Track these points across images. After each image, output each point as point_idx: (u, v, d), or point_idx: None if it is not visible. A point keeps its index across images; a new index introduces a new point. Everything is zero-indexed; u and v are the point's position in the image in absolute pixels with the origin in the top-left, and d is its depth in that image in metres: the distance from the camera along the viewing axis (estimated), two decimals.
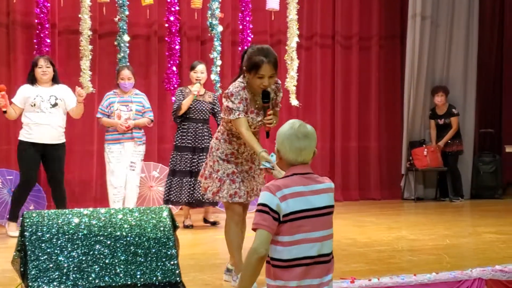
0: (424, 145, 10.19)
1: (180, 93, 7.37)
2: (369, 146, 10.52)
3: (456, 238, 6.68)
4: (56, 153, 6.92)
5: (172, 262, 3.73)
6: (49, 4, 7.97)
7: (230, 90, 4.51)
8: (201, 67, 7.43)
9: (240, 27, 8.88)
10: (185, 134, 7.31)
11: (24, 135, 6.82)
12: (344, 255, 5.66)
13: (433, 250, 5.94)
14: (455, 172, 10.22)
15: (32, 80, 6.91)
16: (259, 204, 2.98)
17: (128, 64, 7.80)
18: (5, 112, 6.76)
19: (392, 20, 10.68)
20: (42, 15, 7.87)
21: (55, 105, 6.86)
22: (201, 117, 7.33)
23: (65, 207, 6.77)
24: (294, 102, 8.97)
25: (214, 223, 7.54)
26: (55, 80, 6.98)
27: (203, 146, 7.26)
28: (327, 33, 10.24)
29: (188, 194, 7.24)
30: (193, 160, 7.27)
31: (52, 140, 6.86)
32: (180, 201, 7.31)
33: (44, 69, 6.87)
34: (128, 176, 7.17)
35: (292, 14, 8.88)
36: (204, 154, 7.10)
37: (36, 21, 7.96)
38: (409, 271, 4.82)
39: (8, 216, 6.97)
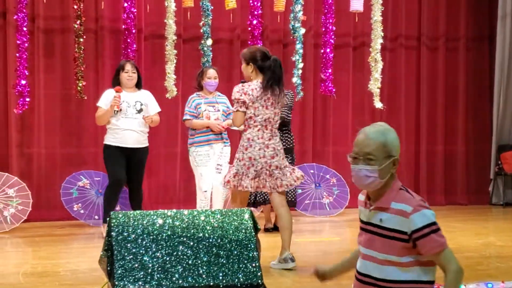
0: None
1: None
2: (456, 149, 10.25)
3: None
4: (140, 157, 7.00)
5: (253, 264, 3.74)
6: (135, 10, 8.16)
7: None
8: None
9: (323, 29, 8.82)
10: None
11: (110, 139, 6.93)
12: None
13: None
14: None
15: (117, 84, 6.95)
16: (429, 225, 2.70)
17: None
18: (116, 112, 6.82)
19: (480, 20, 10.36)
20: (129, 21, 8.05)
21: (140, 110, 6.95)
22: None
23: (140, 209, 6.81)
24: (378, 104, 8.86)
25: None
26: (138, 85, 7.05)
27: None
28: (413, 34, 10.05)
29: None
30: None
31: (136, 144, 6.93)
32: (265, 201, 7.24)
33: (130, 73, 6.95)
34: (215, 179, 6.96)
35: (377, 16, 8.75)
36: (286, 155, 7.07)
37: (123, 26, 8.15)
38: (497, 278, 4.69)
39: (102, 219, 7.09)
